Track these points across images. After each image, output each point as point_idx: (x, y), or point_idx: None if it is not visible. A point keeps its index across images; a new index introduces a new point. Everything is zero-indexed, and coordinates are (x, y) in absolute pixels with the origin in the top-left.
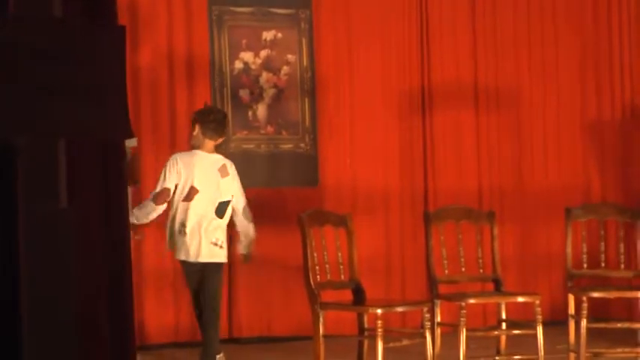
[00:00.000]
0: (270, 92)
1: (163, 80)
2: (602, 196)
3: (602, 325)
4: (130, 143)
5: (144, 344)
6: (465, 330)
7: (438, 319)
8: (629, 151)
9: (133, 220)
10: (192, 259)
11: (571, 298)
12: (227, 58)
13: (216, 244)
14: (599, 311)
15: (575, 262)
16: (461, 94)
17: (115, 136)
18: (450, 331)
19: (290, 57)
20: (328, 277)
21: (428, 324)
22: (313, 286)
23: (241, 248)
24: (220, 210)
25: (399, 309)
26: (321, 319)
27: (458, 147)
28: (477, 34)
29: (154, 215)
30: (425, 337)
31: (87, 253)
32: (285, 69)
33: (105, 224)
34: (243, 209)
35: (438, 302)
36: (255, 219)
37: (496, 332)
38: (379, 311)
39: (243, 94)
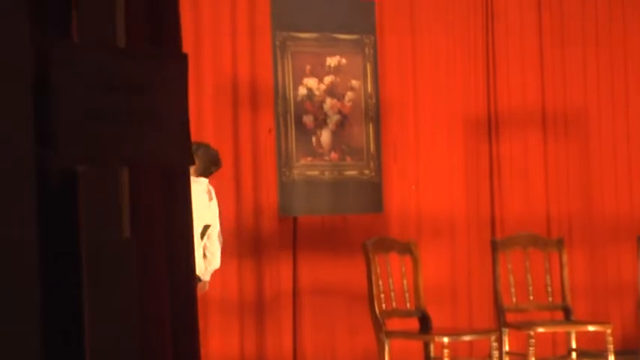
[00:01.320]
0: (334, 118)
1: (227, 107)
2: None
3: None
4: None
5: None
6: (534, 359)
7: (507, 348)
8: None
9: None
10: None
11: None
12: (291, 84)
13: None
14: None
15: None
16: (528, 118)
17: (177, 163)
18: None
19: (354, 83)
20: (394, 305)
21: (496, 353)
22: (378, 314)
23: (202, 274)
24: (203, 233)
25: (466, 338)
26: (386, 348)
27: (525, 173)
28: (544, 57)
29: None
30: None
31: (150, 285)
32: (349, 95)
33: (169, 255)
34: (218, 234)
35: (505, 331)
36: (320, 246)
37: None
38: (446, 340)
39: (307, 120)
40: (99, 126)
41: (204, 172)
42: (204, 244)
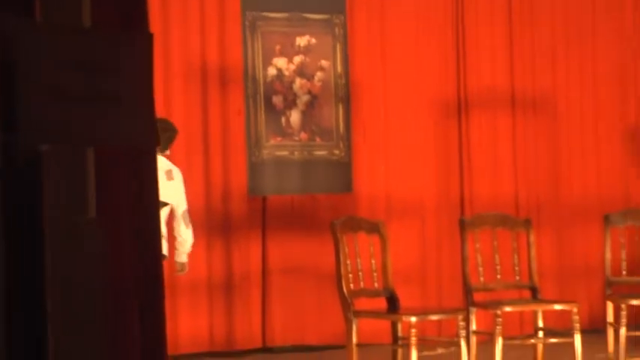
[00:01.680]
0: (303, 99)
1: (196, 88)
2: None
3: None
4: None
5: (178, 354)
6: (500, 338)
7: (474, 327)
8: None
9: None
10: None
11: (610, 306)
12: (260, 65)
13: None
14: (637, 319)
15: (614, 270)
16: (497, 100)
17: (142, 142)
18: (486, 340)
19: (324, 63)
20: (362, 284)
21: (463, 332)
22: (346, 294)
23: (177, 256)
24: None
25: (434, 317)
26: (354, 328)
27: (494, 154)
28: (513, 39)
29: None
30: (460, 346)
31: (117, 265)
32: (319, 75)
33: (136, 234)
34: (183, 214)
35: (473, 310)
36: (289, 226)
37: (533, 341)
38: (413, 319)
39: (277, 100)
40: (63, 106)
41: (166, 146)
42: (172, 226)
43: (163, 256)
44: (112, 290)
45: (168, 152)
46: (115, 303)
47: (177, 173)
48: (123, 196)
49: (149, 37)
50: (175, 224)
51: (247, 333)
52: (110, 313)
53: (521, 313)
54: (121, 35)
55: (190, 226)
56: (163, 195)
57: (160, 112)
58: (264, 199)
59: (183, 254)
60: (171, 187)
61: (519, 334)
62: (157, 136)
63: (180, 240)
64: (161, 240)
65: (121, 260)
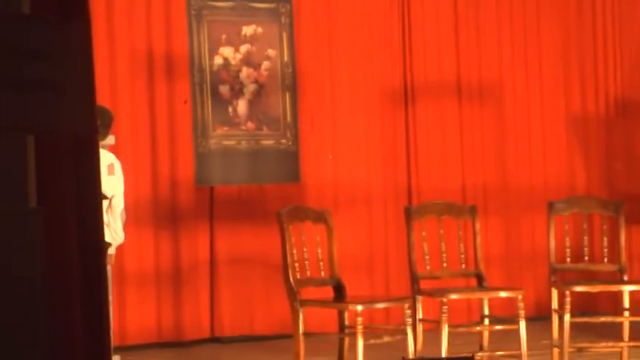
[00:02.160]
0: (250, 88)
1: (142, 77)
2: (587, 190)
3: (586, 319)
4: (108, 141)
5: (126, 345)
6: (446, 326)
7: (420, 315)
8: (614, 145)
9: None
10: None
11: (554, 293)
12: (206, 54)
13: None
14: (586, 306)
15: (559, 257)
16: (444, 88)
17: (83, 129)
18: (434, 328)
19: (270, 52)
20: (308, 274)
21: (409, 320)
22: (292, 283)
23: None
24: None
25: (380, 305)
26: (300, 317)
27: (441, 142)
28: (459, 27)
29: None
30: (406, 334)
31: (58, 254)
32: (265, 64)
33: (78, 224)
34: (121, 212)
35: (419, 298)
36: (237, 216)
37: (478, 328)
38: (359, 308)
39: (223, 89)
40: (2, 93)
41: (105, 133)
42: (107, 219)
43: (107, 244)
44: (53, 281)
45: (109, 142)
46: (56, 294)
47: (118, 168)
48: (65, 185)
49: (87, 25)
50: (111, 219)
51: (195, 323)
52: (51, 305)
53: (468, 301)
54: (61, 22)
55: (123, 226)
56: (104, 189)
57: (105, 101)
58: (211, 190)
59: (112, 247)
60: (112, 181)
61: (467, 321)
62: (95, 124)
63: (115, 237)
64: (104, 230)
65: (63, 250)
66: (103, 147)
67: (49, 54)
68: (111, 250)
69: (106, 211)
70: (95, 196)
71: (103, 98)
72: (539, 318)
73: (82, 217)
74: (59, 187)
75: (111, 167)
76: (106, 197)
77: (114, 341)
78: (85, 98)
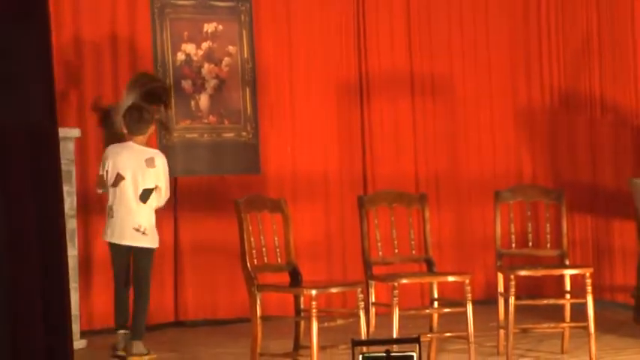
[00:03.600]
0: (212, 83)
1: (107, 71)
2: (534, 179)
3: (530, 302)
4: (73, 134)
5: (93, 329)
6: (397, 309)
7: (373, 299)
8: (558, 136)
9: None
10: (115, 240)
11: (500, 277)
12: (169, 50)
13: (138, 230)
14: (531, 289)
15: (505, 243)
16: (397, 82)
17: (40, 125)
18: (387, 311)
19: (231, 48)
20: (265, 260)
21: (362, 304)
22: (250, 269)
23: (151, 232)
24: (144, 196)
25: (334, 290)
26: (258, 301)
27: (395, 134)
28: (412, 23)
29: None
30: (359, 317)
31: (19, 247)
32: (226, 60)
33: (37, 216)
34: (165, 202)
35: (372, 283)
36: (200, 206)
37: (427, 311)
38: (314, 292)
39: (186, 84)
40: None
41: (135, 128)
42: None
43: (148, 249)
44: (12, 271)
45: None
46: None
47: (160, 161)
48: (22, 177)
49: (46, 22)
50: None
51: (161, 308)
52: (11, 296)
53: (420, 285)
54: (18, 18)
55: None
56: (147, 181)
57: (71, 96)
58: (175, 180)
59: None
60: (153, 174)
61: (421, 305)
62: (54, 116)
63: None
64: (64, 221)
65: (21, 242)
66: (138, 142)
67: (6, 50)
68: (151, 244)
69: (144, 203)
70: (55, 186)
71: (70, 94)
72: (489, 301)
73: (40, 206)
74: (17, 180)
75: (150, 161)
76: (150, 190)
77: (81, 326)
78: (43, 93)
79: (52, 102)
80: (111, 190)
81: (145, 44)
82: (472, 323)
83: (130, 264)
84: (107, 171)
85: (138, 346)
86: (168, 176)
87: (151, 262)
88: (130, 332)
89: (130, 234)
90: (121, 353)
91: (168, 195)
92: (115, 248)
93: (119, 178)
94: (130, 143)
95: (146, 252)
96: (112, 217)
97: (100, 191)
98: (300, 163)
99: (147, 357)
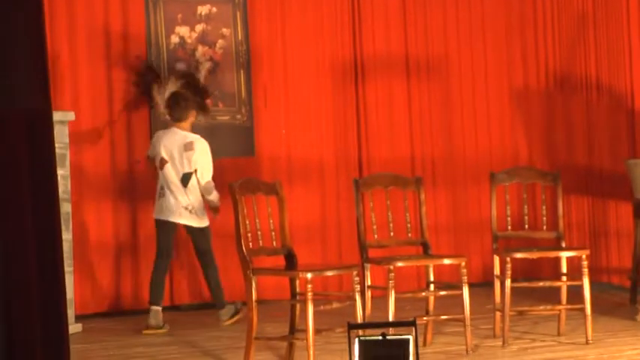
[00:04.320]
0: (206, 65)
1: (100, 56)
2: (530, 161)
3: (526, 284)
4: (67, 117)
5: (86, 313)
6: (393, 292)
7: (369, 282)
8: (554, 118)
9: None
10: (163, 217)
11: (496, 260)
12: (163, 33)
13: (186, 208)
14: (527, 271)
15: (501, 225)
16: (392, 63)
17: (33, 107)
18: (383, 294)
19: (225, 31)
20: (260, 244)
21: (357, 287)
22: (245, 253)
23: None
24: (184, 180)
25: (329, 273)
26: (253, 285)
27: (390, 116)
28: (407, 4)
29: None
30: (355, 300)
31: (14, 232)
32: (220, 42)
33: (32, 196)
34: (205, 185)
35: (367, 266)
36: None
37: (423, 294)
38: (309, 275)
39: (180, 67)
40: None
41: (180, 116)
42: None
43: (200, 228)
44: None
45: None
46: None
47: (199, 145)
48: (17, 162)
49: (39, 5)
50: (202, 189)
51: None
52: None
53: (416, 269)
54: (10, 4)
55: (214, 193)
56: (186, 165)
57: (65, 80)
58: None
59: (212, 209)
60: (192, 157)
61: (417, 288)
62: (48, 98)
63: (210, 200)
64: (58, 200)
65: (17, 219)
66: (180, 127)
67: (2, 36)
68: (201, 224)
69: (185, 187)
70: (50, 165)
71: (64, 76)
72: (486, 284)
73: (35, 189)
74: (13, 164)
75: (189, 145)
76: (189, 174)
77: (76, 310)
78: (37, 76)
79: (47, 87)
80: (159, 172)
81: (138, 27)
82: (468, 306)
83: (172, 241)
84: (150, 154)
85: (222, 315)
86: (209, 160)
87: (208, 238)
88: (214, 304)
89: (179, 212)
90: (149, 332)
91: (207, 178)
92: (161, 225)
93: (163, 161)
94: (174, 129)
95: (199, 231)
96: (163, 196)
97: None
98: (294, 146)
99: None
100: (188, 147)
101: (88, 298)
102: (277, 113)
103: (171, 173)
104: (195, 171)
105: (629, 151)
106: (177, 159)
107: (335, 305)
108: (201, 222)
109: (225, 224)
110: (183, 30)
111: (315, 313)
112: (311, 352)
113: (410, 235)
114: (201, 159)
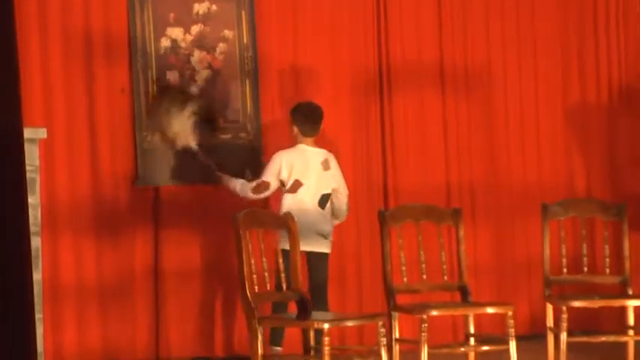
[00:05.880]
0: (203, 74)
1: (79, 63)
2: (587, 191)
3: (585, 338)
4: (38, 135)
5: None
6: (426, 347)
7: (397, 334)
8: (617, 140)
9: (235, 187)
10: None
11: (549, 308)
12: (151, 36)
13: (321, 235)
14: (586, 323)
15: (555, 267)
16: (424, 74)
17: (3, 127)
18: (413, 349)
19: (227, 33)
20: (268, 287)
21: (384, 340)
22: (250, 299)
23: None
24: (323, 201)
25: (350, 323)
26: (259, 337)
27: (422, 136)
28: (442, 6)
29: (247, 198)
30: (380, 356)
31: None
32: (221, 47)
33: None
34: (347, 203)
35: (396, 315)
36: (192, 220)
37: (463, 349)
38: (325, 326)
39: (172, 76)
40: None
41: (309, 129)
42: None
43: (327, 254)
44: None
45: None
46: None
47: (332, 161)
48: None
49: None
50: (334, 208)
51: (137, 344)
52: None
53: (452, 318)
54: None
55: (346, 214)
56: (325, 186)
57: (37, 90)
58: (156, 190)
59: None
60: (328, 176)
61: (451, 341)
62: (19, 117)
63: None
64: (29, 229)
65: None
66: (312, 145)
67: None
68: (330, 249)
69: (323, 209)
70: (19, 197)
71: (34, 86)
72: (535, 336)
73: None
74: None
75: (325, 163)
76: (328, 195)
77: None
78: (9, 93)
79: (18, 103)
80: (288, 196)
81: (120, 28)
82: None
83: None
84: (282, 180)
85: None
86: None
87: (328, 267)
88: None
89: (313, 240)
90: None
91: (347, 191)
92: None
93: (297, 184)
94: (303, 146)
95: (325, 257)
96: None
97: (253, 196)
98: None
99: None
100: (325, 166)
101: (62, 351)
102: (288, 131)
103: (306, 196)
104: (333, 191)
105: None
106: (316, 180)
107: None
108: (330, 247)
109: (225, 262)
110: (175, 32)
111: None
112: None
113: (446, 277)
114: (340, 176)
